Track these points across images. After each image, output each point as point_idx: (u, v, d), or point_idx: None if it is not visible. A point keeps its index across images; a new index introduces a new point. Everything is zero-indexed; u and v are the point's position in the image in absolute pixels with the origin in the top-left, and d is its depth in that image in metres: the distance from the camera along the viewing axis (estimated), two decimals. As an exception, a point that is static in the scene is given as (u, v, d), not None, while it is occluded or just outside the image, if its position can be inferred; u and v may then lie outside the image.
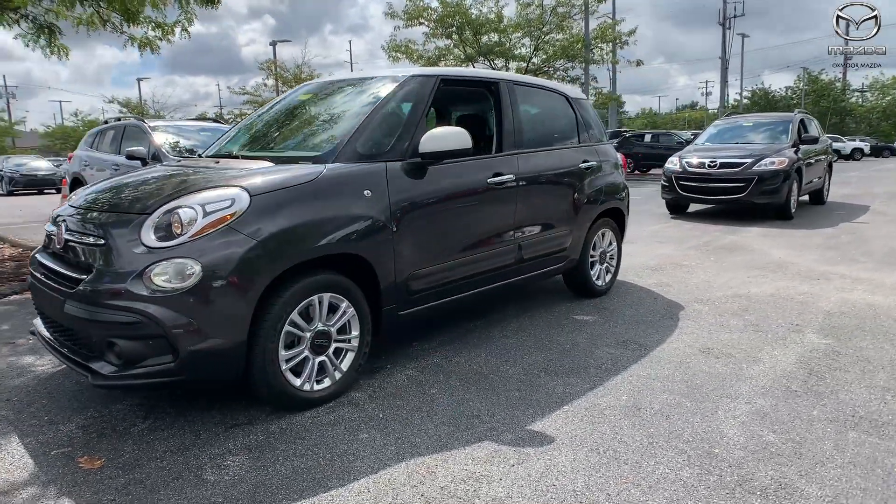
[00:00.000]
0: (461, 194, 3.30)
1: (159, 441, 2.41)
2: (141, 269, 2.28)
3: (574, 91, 4.63)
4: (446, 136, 3.01)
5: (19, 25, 6.16)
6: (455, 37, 20.49)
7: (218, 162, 3.16)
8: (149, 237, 2.35)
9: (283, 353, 2.52)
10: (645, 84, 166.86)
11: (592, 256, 4.50)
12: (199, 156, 3.73)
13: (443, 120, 4.29)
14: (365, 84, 3.51)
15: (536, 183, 3.82)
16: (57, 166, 21.15)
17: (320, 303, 2.64)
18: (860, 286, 4.84)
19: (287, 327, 2.52)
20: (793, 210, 8.88)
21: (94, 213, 2.65)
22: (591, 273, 4.50)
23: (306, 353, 2.63)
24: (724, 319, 4.00)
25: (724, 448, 2.33)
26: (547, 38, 20.88)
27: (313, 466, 2.22)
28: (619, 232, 4.81)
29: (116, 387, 2.44)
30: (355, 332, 2.81)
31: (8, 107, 42.85)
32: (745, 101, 43.72)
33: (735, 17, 33.88)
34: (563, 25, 20.58)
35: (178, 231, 2.35)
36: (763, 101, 42.20)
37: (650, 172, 21.36)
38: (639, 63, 23.48)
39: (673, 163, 9.57)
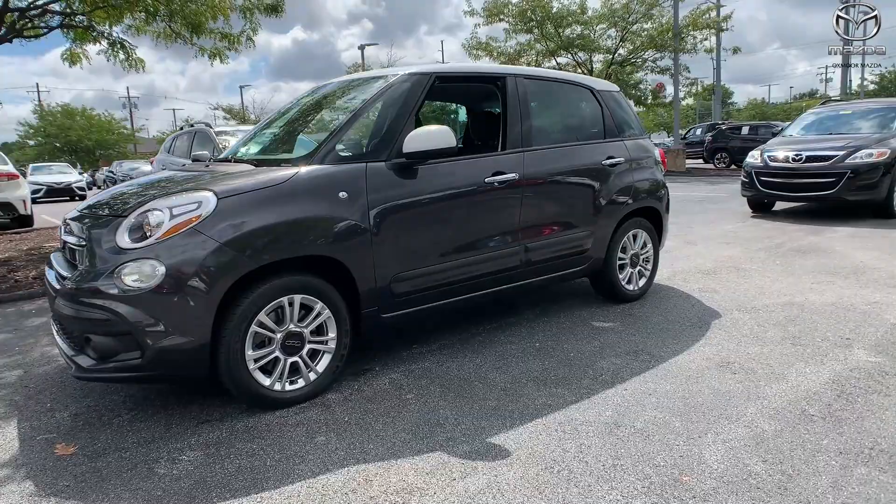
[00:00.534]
0: (453, 195, 3.20)
1: (133, 432, 2.53)
2: (113, 268, 2.41)
3: (601, 84, 4.35)
4: (430, 136, 2.93)
5: (100, 43, 6.79)
6: (536, 31, 20.13)
7: (209, 166, 3.29)
8: (123, 239, 2.47)
9: (249, 353, 2.57)
10: (759, 73, 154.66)
11: (622, 259, 4.23)
12: (209, 160, 3.89)
13: (448, 118, 4.20)
14: (361, 85, 3.50)
15: (546, 181, 3.64)
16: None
17: (291, 304, 2.66)
18: (947, 296, 4.19)
19: (254, 328, 2.56)
20: (896, 208, 7.88)
21: (86, 216, 2.84)
22: (620, 277, 4.22)
23: (277, 353, 2.66)
24: (762, 330, 3.60)
25: (696, 476, 2.08)
26: (634, 27, 19.99)
27: (258, 466, 2.23)
28: (656, 233, 4.47)
29: (93, 379, 2.61)
30: (332, 334, 2.80)
31: (130, 116, 47.60)
32: (871, 85, 39.34)
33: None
34: (651, 14, 19.59)
35: (149, 233, 2.46)
36: (893, 87, 37.78)
37: (747, 167, 19.83)
38: (735, 50, 21.89)
39: (754, 157, 8.83)
